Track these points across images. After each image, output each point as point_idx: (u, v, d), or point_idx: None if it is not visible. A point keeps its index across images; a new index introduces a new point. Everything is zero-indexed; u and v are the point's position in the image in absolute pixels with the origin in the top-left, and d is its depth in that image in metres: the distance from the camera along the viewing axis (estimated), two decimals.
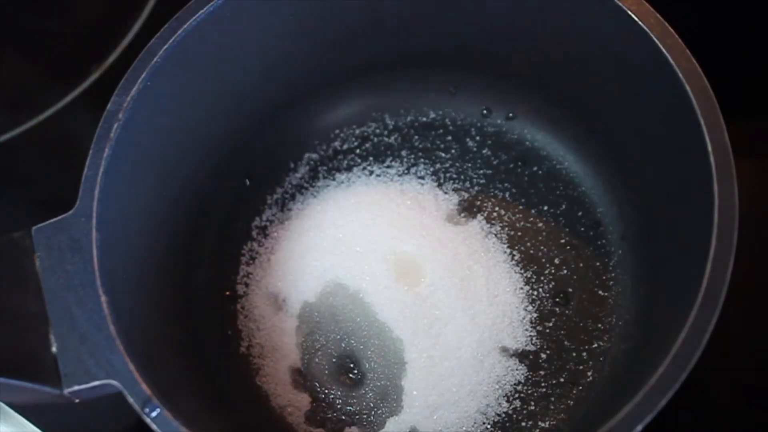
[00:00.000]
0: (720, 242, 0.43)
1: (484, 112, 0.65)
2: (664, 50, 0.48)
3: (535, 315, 0.58)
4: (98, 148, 0.48)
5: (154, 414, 0.41)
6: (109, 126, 0.48)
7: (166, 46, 0.50)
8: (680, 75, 0.47)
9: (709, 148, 0.45)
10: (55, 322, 0.44)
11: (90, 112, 0.65)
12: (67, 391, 0.43)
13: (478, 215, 0.61)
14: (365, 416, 0.56)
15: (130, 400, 0.42)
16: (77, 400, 0.44)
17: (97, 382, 0.43)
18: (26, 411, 0.55)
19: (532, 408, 0.55)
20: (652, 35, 0.48)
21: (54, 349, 0.43)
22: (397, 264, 0.58)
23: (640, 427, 0.41)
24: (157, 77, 0.50)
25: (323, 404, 0.57)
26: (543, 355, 0.56)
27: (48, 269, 0.45)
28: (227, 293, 0.61)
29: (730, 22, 0.66)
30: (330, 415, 0.56)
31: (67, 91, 0.66)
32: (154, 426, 0.42)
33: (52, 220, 0.46)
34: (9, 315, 0.44)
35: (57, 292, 0.45)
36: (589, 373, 0.56)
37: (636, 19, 0.49)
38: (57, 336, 0.44)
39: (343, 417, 0.56)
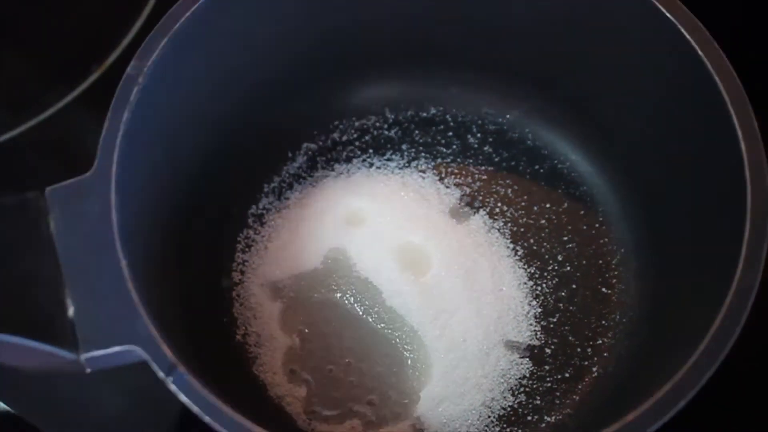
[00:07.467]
0: (753, 233, 0.44)
1: (485, 109, 0.65)
2: (693, 43, 0.48)
3: (539, 310, 0.57)
4: (117, 112, 0.46)
5: (179, 380, 0.40)
6: (128, 90, 0.47)
7: (187, 14, 0.49)
8: (709, 67, 0.47)
9: (741, 139, 0.45)
10: (72, 286, 0.42)
11: (90, 112, 0.64)
12: (84, 356, 0.40)
13: (481, 210, 0.61)
14: (367, 408, 0.54)
15: (154, 366, 0.40)
16: (89, 370, 0.42)
17: (117, 348, 0.40)
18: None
19: (538, 402, 0.55)
20: (680, 28, 0.49)
21: (71, 313, 0.41)
22: (403, 253, 0.57)
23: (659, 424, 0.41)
24: (175, 45, 0.49)
25: (323, 395, 0.55)
26: (548, 350, 0.56)
27: (63, 232, 0.43)
28: (223, 280, 0.59)
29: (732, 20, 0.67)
30: (330, 406, 0.55)
31: (67, 91, 0.65)
32: (181, 396, 0.40)
33: (67, 182, 0.44)
34: (22, 278, 0.42)
35: (73, 255, 0.42)
36: (594, 369, 0.55)
37: (663, 10, 0.49)
38: (74, 300, 0.41)
39: (345, 408, 0.54)
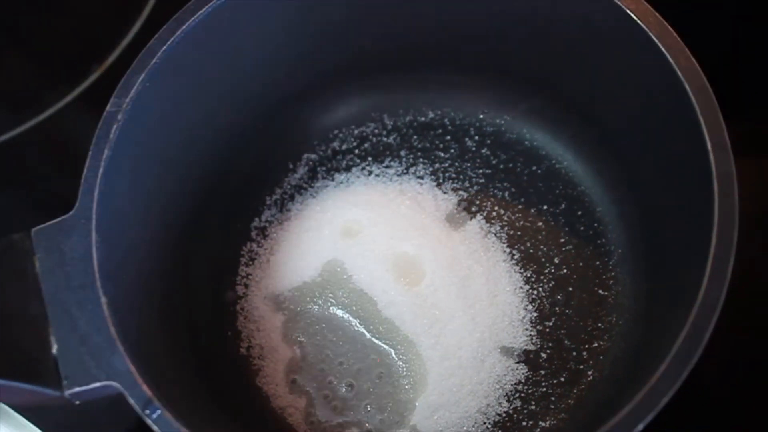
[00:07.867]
0: (720, 241, 0.43)
1: (483, 111, 0.65)
2: (663, 49, 0.48)
3: (535, 314, 0.58)
4: (97, 150, 0.48)
5: (155, 415, 0.41)
6: (108, 127, 0.48)
7: (164, 47, 0.50)
8: (679, 73, 0.47)
9: (709, 147, 0.45)
10: (55, 324, 0.44)
11: (90, 112, 0.65)
12: (67, 393, 0.43)
13: (478, 215, 0.61)
14: (365, 417, 0.56)
15: (131, 401, 0.42)
16: (77, 402, 0.44)
17: (97, 384, 0.42)
18: (26, 411, 0.55)
19: (533, 407, 0.55)
20: (650, 34, 0.48)
21: (54, 350, 0.43)
22: (397, 264, 0.58)
23: (641, 426, 0.41)
24: (155, 78, 0.50)
25: (323, 405, 0.56)
26: (543, 355, 0.56)
27: (47, 271, 0.45)
28: (227, 294, 0.61)
29: (729, 21, 0.66)
30: (330, 416, 0.56)
31: (67, 91, 0.67)
32: (155, 427, 0.41)
33: (51, 222, 0.46)
34: (9, 317, 0.44)
35: (57, 293, 0.45)
36: (590, 373, 0.56)
37: (635, 17, 0.49)
38: (57, 338, 0.43)
39: (344, 417, 0.56)
